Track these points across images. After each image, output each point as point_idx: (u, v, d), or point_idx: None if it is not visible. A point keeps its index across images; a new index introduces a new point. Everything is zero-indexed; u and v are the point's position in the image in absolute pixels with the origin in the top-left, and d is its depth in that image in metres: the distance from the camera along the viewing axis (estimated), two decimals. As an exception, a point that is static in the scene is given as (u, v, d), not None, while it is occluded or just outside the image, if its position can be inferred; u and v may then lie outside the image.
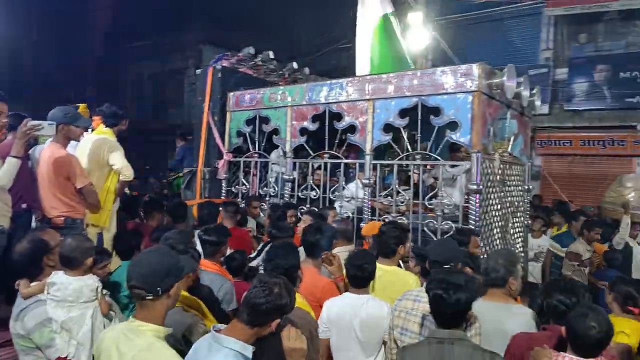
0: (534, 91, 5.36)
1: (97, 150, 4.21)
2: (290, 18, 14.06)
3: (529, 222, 5.86)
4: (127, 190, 6.60)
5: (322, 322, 2.96)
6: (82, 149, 4.24)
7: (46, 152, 3.87)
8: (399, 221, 4.70)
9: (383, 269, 3.24)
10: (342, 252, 3.60)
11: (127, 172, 4.30)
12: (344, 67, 14.34)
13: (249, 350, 1.90)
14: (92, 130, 4.61)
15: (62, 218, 3.79)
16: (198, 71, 6.77)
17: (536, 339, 2.44)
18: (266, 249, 3.56)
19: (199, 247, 3.51)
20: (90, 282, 2.79)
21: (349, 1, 12.54)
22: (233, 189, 6.17)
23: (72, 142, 4.22)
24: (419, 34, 10.75)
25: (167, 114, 18.06)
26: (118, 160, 4.25)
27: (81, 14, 19.36)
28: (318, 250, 3.37)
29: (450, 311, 2.24)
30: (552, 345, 2.31)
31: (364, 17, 7.29)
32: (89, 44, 20.14)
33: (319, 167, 5.55)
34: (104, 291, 2.92)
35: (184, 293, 2.55)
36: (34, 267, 2.84)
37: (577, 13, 11.18)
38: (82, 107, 5.13)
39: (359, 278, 2.96)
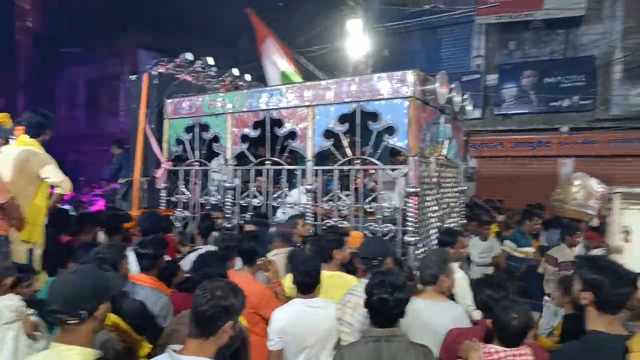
0: (465, 97, 5.62)
1: (25, 164, 3.94)
2: (230, 25, 13.91)
3: (464, 221, 6.11)
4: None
5: (273, 333, 2.90)
6: (4, 161, 3.94)
7: None
8: (340, 225, 4.82)
9: (324, 274, 3.27)
10: (280, 254, 3.62)
11: (66, 186, 4.08)
12: (286, 73, 14.37)
13: None
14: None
15: None
16: (133, 77, 6.54)
17: (466, 333, 2.58)
18: (191, 257, 3.52)
19: (133, 262, 3.41)
20: (10, 302, 2.64)
21: (290, 9, 12.70)
22: (173, 198, 6.01)
23: None
24: (358, 40, 11.00)
25: (102, 122, 17.35)
26: (53, 173, 4.01)
27: (9, 16, 18.22)
28: (253, 257, 3.35)
29: (394, 312, 2.32)
30: (482, 338, 2.44)
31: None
32: (19, 48, 18.97)
33: (261, 174, 5.53)
34: (30, 310, 2.77)
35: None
36: None
37: (506, 22, 11.85)
38: (2, 116, 4.75)
39: (307, 284, 2.96)
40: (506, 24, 12.04)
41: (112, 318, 2.47)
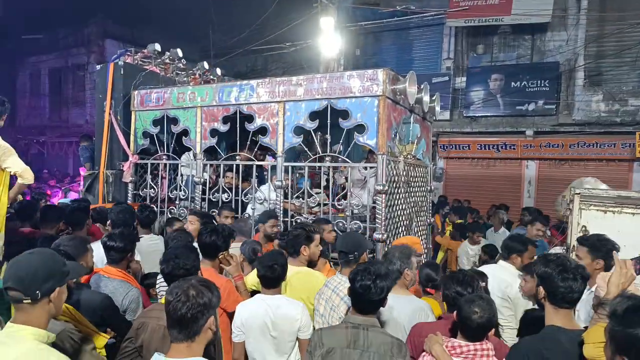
0: (434, 97, 5.71)
1: None
2: (201, 18, 13.73)
3: (431, 220, 6.21)
4: (19, 197, 6.09)
5: (235, 327, 2.94)
6: None
7: None
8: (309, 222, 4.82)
9: (292, 269, 3.27)
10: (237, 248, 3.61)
11: (28, 175, 3.96)
12: (259, 69, 14.32)
13: None
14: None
15: None
16: (98, 67, 6.37)
17: (431, 327, 2.64)
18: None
19: (100, 254, 3.35)
20: None
21: (263, 3, 12.60)
22: (140, 193, 5.89)
23: None
24: (330, 39, 11.02)
25: (67, 113, 16.82)
26: (15, 163, 3.90)
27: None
28: (214, 250, 3.33)
29: (376, 299, 2.38)
30: (446, 332, 2.49)
31: None
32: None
33: (230, 169, 5.48)
34: None
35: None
36: None
37: (475, 25, 12.07)
38: None
39: (269, 278, 2.96)
40: (475, 28, 12.26)
41: (69, 308, 2.42)
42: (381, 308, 2.50)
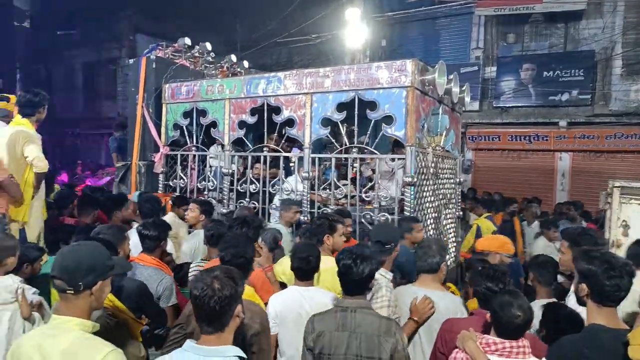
0: (464, 88, 5.61)
1: (14, 142, 3.94)
2: (228, 12, 13.82)
3: (460, 213, 6.13)
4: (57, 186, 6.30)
5: (269, 318, 2.90)
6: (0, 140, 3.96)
7: None
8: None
9: None
10: None
11: (40, 164, 4.03)
12: (284, 62, 14.34)
13: (241, 352, 1.86)
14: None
15: None
16: (131, 61, 6.51)
17: (463, 323, 2.58)
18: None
19: (135, 241, 3.44)
20: (9, 282, 2.64)
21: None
22: (171, 183, 6.02)
23: None
24: (356, 30, 10.94)
25: (100, 106, 17.26)
26: (32, 151, 3.99)
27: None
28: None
29: (357, 279, 2.45)
30: (479, 328, 2.45)
31: None
32: (14, 31, 18.75)
33: (258, 161, 5.53)
34: (33, 290, 2.77)
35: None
36: None
37: (505, 14, 11.79)
38: (14, 98, 4.74)
39: (304, 270, 2.96)
40: (506, 16, 11.98)
41: (109, 297, 2.49)
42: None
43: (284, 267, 3.47)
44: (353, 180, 5.18)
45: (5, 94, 4.93)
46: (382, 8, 13.02)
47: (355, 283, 2.48)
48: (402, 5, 12.84)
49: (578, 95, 11.28)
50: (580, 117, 11.37)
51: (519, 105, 12.04)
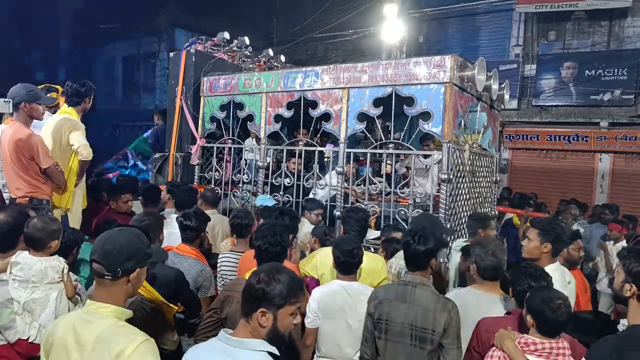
0: (503, 85, 5.50)
1: (59, 130, 4.07)
2: (265, 7, 13.95)
3: (496, 212, 6.03)
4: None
5: (311, 311, 2.92)
6: (46, 129, 4.11)
7: (8, 132, 3.76)
8: (371, 209, 4.84)
9: None
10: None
11: (85, 152, 4.15)
12: (319, 57, 14.37)
13: (275, 349, 1.83)
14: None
15: (27, 199, 3.70)
16: (172, 54, 6.65)
17: (500, 322, 2.54)
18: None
19: (175, 231, 3.51)
20: (56, 263, 2.73)
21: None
22: (206, 175, 6.13)
23: (38, 123, 4.11)
24: (392, 26, 10.86)
25: (138, 99, 17.72)
26: (76, 139, 4.11)
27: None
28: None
29: (415, 255, 2.66)
30: (515, 328, 2.42)
31: None
32: (59, 24, 19.38)
33: (293, 155, 5.56)
34: (72, 275, 2.88)
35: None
36: (7, 241, 2.78)
37: (546, 11, 11.48)
38: (61, 89, 4.86)
39: (349, 264, 2.94)
40: (547, 14, 11.66)
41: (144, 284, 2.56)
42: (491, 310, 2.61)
43: (315, 262, 3.48)
44: (388, 176, 5.16)
45: (53, 85, 5.13)
46: (419, 4, 12.87)
47: (413, 259, 2.68)
48: (440, 1, 12.66)
49: (621, 95, 10.89)
50: (622, 117, 10.97)
51: (559, 104, 11.71)
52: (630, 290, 2.12)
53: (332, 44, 14.10)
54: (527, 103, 12.18)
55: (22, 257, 2.68)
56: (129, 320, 1.88)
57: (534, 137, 12.11)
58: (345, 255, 2.91)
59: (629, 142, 10.99)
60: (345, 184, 5.01)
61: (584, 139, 11.47)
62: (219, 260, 3.78)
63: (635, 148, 10.95)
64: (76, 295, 2.82)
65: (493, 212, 5.79)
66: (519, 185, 11.68)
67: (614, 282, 2.28)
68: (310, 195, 5.37)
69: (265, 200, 4.94)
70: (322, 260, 3.42)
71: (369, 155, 5.05)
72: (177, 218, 3.54)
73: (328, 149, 5.65)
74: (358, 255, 2.94)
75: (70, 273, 2.86)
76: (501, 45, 12.59)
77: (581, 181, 11.66)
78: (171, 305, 2.72)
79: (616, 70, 10.90)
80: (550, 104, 11.80)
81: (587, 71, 11.19)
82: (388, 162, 5.69)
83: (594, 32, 11.60)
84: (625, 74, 10.79)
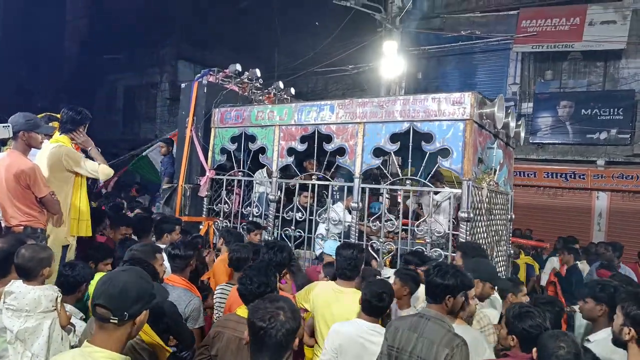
0: (520, 122, 5.54)
1: (55, 159, 3.90)
2: (267, 41, 14.17)
3: (511, 251, 5.96)
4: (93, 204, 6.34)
5: (330, 348, 2.87)
6: (41, 157, 3.97)
7: (5, 160, 3.67)
8: (387, 246, 4.74)
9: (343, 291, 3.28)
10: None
11: (103, 172, 4.10)
12: (319, 90, 14.52)
13: None
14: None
15: (22, 227, 3.60)
16: (183, 85, 6.62)
17: None
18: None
19: (166, 263, 3.44)
20: (50, 292, 2.69)
21: (325, 27, 12.84)
22: (215, 207, 6.01)
23: (33, 150, 3.99)
24: (392, 62, 11.03)
25: (139, 128, 17.75)
26: (86, 168, 4.01)
27: (56, 21, 18.70)
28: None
29: (431, 286, 2.60)
30: None
31: None
32: (64, 52, 19.49)
33: (305, 189, 5.48)
34: (66, 305, 2.84)
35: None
36: (1, 269, 2.78)
37: (543, 51, 11.76)
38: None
39: (375, 307, 2.88)
40: (544, 53, 11.95)
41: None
42: None
43: (310, 297, 3.44)
44: (404, 213, 5.08)
45: (55, 114, 5.03)
46: (418, 42, 13.11)
47: (429, 290, 2.63)
48: (439, 40, 12.90)
49: (617, 134, 11.08)
50: (618, 156, 11.14)
51: (556, 142, 11.87)
52: (629, 333, 2.11)
53: (333, 78, 14.27)
54: (524, 140, 12.24)
55: (16, 286, 2.65)
56: None
57: (532, 174, 12.20)
58: (374, 298, 2.86)
59: (626, 181, 11.11)
60: (359, 220, 4.93)
61: (581, 176, 11.58)
62: (215, 293, 3.76)
63: (632, 187, 11.06)
64: (69, 325, 2.77)
65: (509, 251, 5.73)
66: (515, 222, 11.65)
67: (613, 325, 2.26)
68: (321, 229, 5.27)
69: (333, 247, 4.00)
70: (315, 296, 3.41)
71: (384, 190, 4.98)
72: (165, 248, 3.49)
73: (338, 183, 5.55)
74: (385, 301, 2.89)
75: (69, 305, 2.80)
76: (499, 83, 12.80)
77: (578, 219, 11.72)
78: (166, 347, 2.61)
79: (612, 110, 11.11)
80: (547, 141, 11.96)
81: (583, 110, 11.39)
82: (398, 200, 5.63)
83: (589, 72, 11.88)
84: (621, 113, 11.00)
